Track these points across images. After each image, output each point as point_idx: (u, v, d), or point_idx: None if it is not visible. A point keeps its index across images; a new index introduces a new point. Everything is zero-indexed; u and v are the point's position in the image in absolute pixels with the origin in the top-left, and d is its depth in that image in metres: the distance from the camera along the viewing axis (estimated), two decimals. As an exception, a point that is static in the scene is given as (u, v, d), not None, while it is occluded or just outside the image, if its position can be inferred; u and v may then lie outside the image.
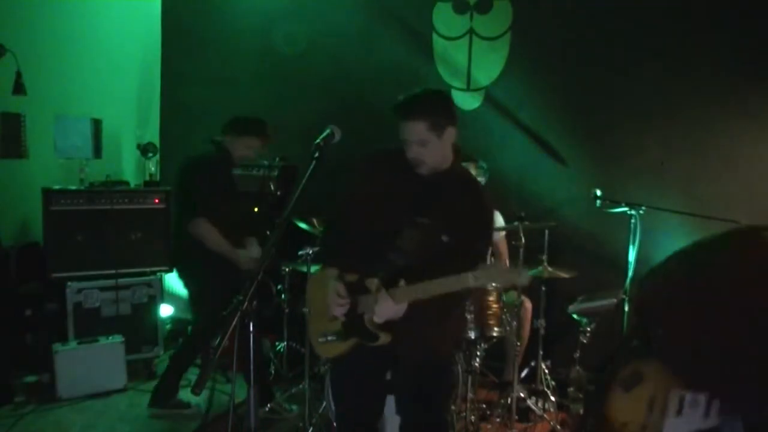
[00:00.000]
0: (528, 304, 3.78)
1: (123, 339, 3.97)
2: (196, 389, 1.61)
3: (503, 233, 4.03)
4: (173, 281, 4.74)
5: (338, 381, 2.45)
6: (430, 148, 2.05)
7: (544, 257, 3.54)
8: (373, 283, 2.04)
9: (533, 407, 3.52)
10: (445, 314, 2.13)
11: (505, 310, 3.34)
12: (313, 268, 3.55)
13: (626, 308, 3.45)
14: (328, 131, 1.94)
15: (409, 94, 2.09)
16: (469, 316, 3.23)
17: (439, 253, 2.07)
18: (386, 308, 2.00)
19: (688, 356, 1.89)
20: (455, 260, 2.00)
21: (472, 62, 4.41)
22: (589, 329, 3.50)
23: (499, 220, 4.05)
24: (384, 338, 2.06)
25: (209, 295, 3.49)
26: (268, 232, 4.09)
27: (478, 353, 3.35)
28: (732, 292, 1.80)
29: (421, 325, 2.08)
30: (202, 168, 3.43)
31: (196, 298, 3.65)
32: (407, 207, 2.12)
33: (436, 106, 2.08)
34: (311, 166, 1.85)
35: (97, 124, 4.44)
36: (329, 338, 2.13)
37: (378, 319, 2.03)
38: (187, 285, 3.68)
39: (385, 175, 2.22)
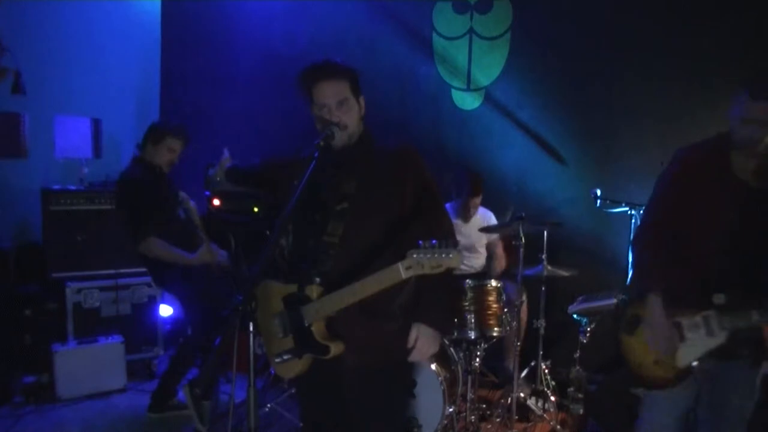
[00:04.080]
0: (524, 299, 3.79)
1: (123, 339, 3.98)
2: (197, 390, 1.61)
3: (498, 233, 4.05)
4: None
5: (303, 401, 2.26)
6: (352, 113, 1.97)
7: (544, 257, 3.54)
8: (313, 290, 1.89)
9: (533, 407, 3.52)
10: (391, 306, 1.96)
11: (505, 310, 3.34)
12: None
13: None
14: (328, 131, 1.93)
15: (321, 59, 2.00)
16: (469, 316, 3.23)
17: (377, 234, 1.93)
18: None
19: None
20: (407, 231, 1.91)
21: (472, 62, 4.41)
22: (589, 329, 3.50)
23: (491, 219, 4.06)
24: (336, 348, 1.90)
25: (195, 298, 3.55)
26: (267, 233, 4.09)
27: (478, 353, 3.36)
28: None
29: (369, 323, 1.93)
30: (134, 188, 3.45)
31: (184, 302, 3.68)
32: (323, 195, 1.98)
33: (353, 70, 2.02)
34: (311, 167, 1.84)
35: (97, 124, 4.44)
36: (285, 357, 1.96)
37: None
38: (171, 292, 3.75)
39: (297, 169, 1.99)
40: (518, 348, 3.50)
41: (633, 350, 2.22)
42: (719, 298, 2.01)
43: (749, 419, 2.14)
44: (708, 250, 2.06)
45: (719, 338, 2.02)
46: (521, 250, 3.43)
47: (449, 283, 2.08)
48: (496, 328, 3.28)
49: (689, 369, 2.09)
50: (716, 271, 2.04)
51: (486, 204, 4.08)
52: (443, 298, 1.98)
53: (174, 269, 3.47)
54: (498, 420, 3.45)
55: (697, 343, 2.05)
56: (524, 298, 3.75)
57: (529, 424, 3.49)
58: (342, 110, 1.96)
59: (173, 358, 3.68)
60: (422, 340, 1.95)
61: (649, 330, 2.10)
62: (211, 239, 3.64)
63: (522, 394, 3.49)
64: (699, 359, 2.07)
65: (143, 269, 4.17)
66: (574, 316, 3.54)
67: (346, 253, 1.92)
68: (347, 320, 1.90)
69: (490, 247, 4.12)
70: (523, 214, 3.47)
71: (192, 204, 3.59)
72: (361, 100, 2.04)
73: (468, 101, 4.45)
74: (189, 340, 3.72)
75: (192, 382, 3.49)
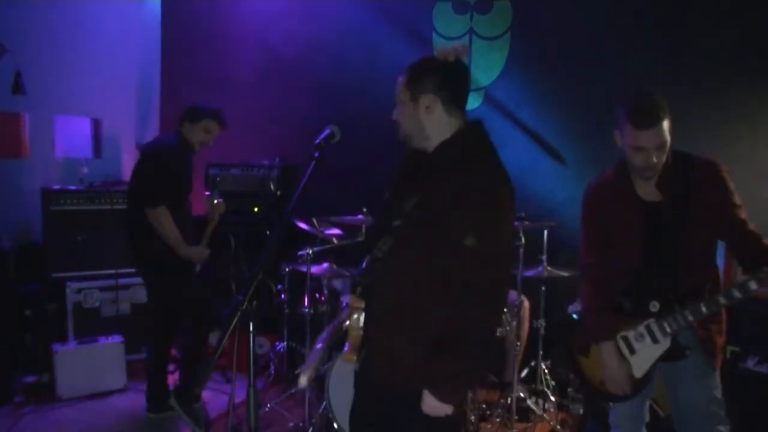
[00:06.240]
0: (526, 303, 3.78)
1: (123, 339, 3.98)
2: (196, 389, 1.61)
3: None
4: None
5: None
6: (405, 111, 1.85)
7: (544, 257, 3.54)
8: (354, 300, 1.85)
9: (533, 407, 3.52)
10: (423, 317, 1.75)
11: (505, 309, 3.34)
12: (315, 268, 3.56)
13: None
14: (328, 131, 1.93)
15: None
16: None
17: (417, 263, 1.76)
18: None
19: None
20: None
21: (472, 62, 4.40)
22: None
23: None
24: (347, 357, 1.85)
25: (168, 288, 3.53)
26: (268, 232, 4.09)
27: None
28: None
29: (393, 334, 1.78)
30: (164, 157, 3.45)
31: (156, 292, 3.64)
32: (393, 200, 1.91)
33: (427, 68, 1.84)
34: (311, 166, 1.84)
35: (97, 124, 4.45)
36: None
37: None
38: (146, 280, 3.71)
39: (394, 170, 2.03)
40: (519, 349, 3.50)
41: (591, 369, 2.31)
42: (654, 306, 2.14)
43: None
44: (637, 265, 2.21)
45: (664, 344, 2.13)
46: (521, 250, 3.43)
47: (481, 343, 1.74)
48: (496, 328, 3.28)
49: (646, 377, 2.18)
50: (647, 282, 2.18)
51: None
52: (466, 361, 1.70)
53: (159, 257, 3.43)
54: (498, 420, 3.45)
55: (646, 352, 2.15)
56: (522, 297, 3.74)
57: (529, 424, 3.49)
58: (399, 108, 1.88)
59: (147, 360, 3.66)
60: (426, 409, 1.72)
61: (605, 373, 2.20)
62: (211, 239, 3.63)
63: (522, 394, 3.49)
64: (652, 366, 2.16)
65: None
66: (574, 316, 3.54)
67: (384, 273, 1.82)
68: (377, 332, 1.81)
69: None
70: (523, 214, 3.47)
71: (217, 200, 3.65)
72: (423, 99, 1.82)
73: (468, 101, 4.44)
74: (158, 334, 3.65)
75: (184, 388, 3.49)
